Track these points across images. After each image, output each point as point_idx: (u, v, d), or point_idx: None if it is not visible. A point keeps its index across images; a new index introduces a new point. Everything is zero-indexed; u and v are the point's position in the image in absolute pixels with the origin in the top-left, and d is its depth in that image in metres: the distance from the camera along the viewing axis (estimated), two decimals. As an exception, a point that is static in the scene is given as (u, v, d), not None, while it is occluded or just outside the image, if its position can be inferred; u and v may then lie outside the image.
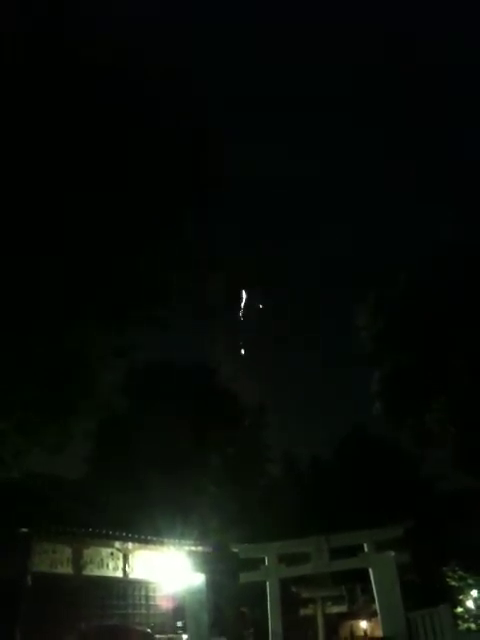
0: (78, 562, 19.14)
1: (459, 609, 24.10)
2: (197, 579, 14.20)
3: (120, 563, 20.54)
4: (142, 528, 20.39)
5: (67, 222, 13.93)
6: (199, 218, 16.95)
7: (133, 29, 14.99)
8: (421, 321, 23.24)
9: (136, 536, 20.34)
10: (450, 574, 25.34)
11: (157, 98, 15.04)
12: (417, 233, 73.42)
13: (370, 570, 14.49)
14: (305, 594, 22.27)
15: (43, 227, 13.77)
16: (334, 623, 25.23)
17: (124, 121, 14.33)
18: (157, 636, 16.42)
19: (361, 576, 15.91)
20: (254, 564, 16.40)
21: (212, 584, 14.31)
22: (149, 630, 16.19)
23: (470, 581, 25.48)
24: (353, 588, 22.76)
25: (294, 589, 21.33)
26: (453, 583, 25.25)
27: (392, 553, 14.50)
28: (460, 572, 25.33)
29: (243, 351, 70.39)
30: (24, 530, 17.13)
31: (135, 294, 16.16)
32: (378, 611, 14.38)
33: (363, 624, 26.20)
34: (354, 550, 15.45)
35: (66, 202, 13.67)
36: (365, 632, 26.27)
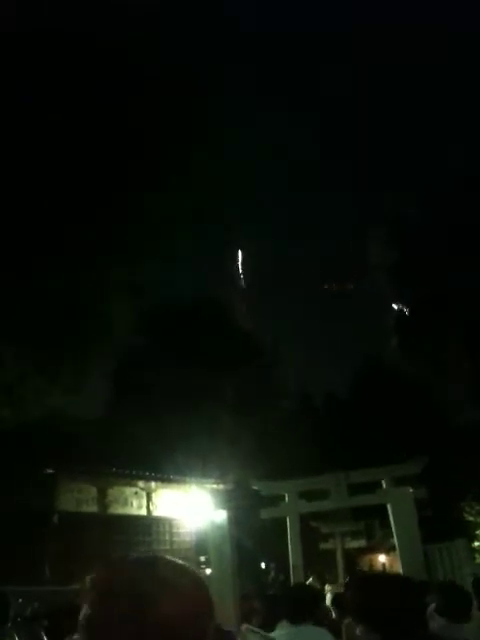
0: (103, 501, 19.63)
1: (476, 543, 24.56)
2: (219, 515, 14.47)
3: (144, 501, 21.03)
4: (164, 466, 20.79)
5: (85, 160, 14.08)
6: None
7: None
8: (435, 252, 23.09)
9: (159, 475, 20.76)
10: (467, 509, 25.75)
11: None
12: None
13: (388, 505, 14.68)
14: (325, 529, 22.75)
15: (62, 165, 13.91)
16: (353, 557, 25.78)
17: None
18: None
19: (380, 511, 16.14)
20: (274, 500, 16.69)
21: (234, 520, 14.56)
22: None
23: (486, 516, 25.92)
24: (372, 523, 23.16)
25: (314, 524, 21.74)
26: (470, 518, 25.68)
27: (410, 489, 14.67)
28: (477, 507, 25.74)
29: (257, 288, 70.39)
30: (49, 471, 17.51)
31: (146, 228, 16.26)
32: (396, 545, 14.63)
33: (382, 558, 26.69)
34: (372, 486, 15.63)
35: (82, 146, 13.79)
36: (384, 566, 26.79)
